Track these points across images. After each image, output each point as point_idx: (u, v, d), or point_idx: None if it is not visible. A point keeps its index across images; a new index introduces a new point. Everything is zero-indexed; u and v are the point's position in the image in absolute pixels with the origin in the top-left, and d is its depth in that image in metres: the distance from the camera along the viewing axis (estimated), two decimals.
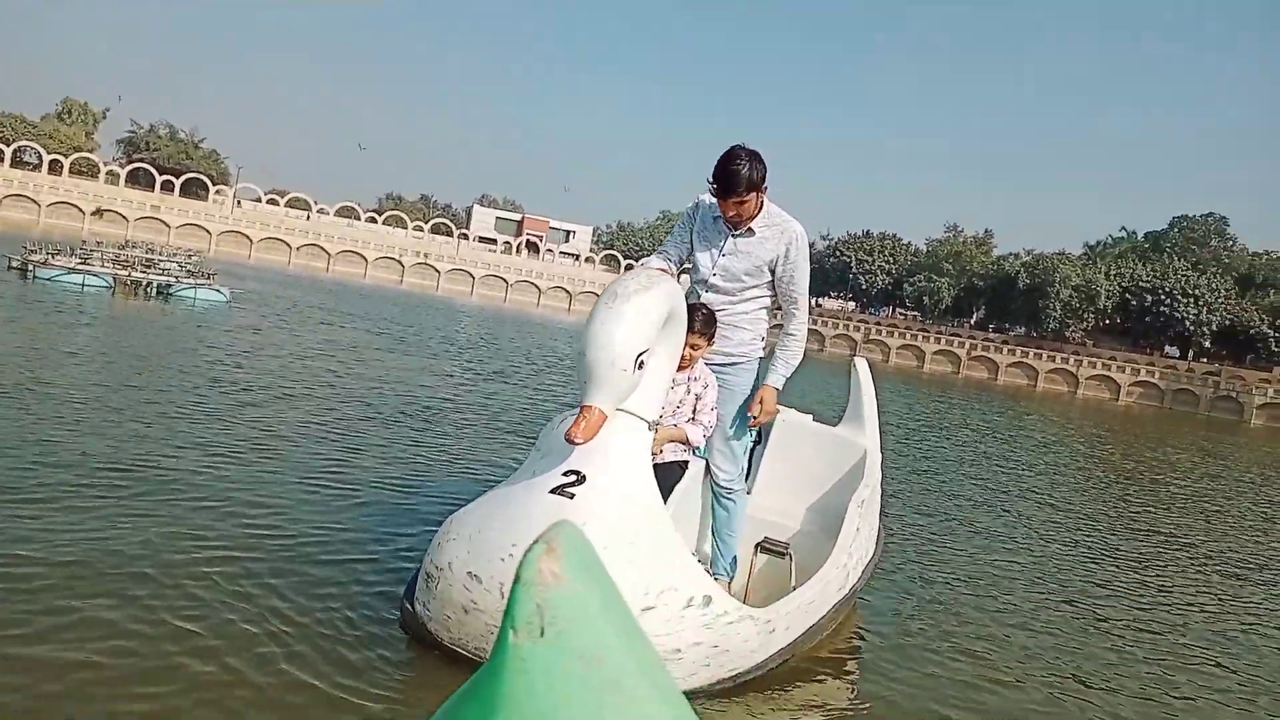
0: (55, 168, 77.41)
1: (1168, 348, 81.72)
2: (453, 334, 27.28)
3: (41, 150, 79.11)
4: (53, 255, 22.04)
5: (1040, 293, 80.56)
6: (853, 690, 4.54)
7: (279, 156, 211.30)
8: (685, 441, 4.32)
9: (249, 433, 7.90)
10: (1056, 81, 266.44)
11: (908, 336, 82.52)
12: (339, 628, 4.03)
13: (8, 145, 76.67)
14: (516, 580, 0.59)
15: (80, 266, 21.59)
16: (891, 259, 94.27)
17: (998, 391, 55.21)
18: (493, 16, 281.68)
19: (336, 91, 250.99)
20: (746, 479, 5.32)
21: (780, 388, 4.39)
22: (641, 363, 3.40)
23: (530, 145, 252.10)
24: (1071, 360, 76.60)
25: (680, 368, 4.16)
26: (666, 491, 4.10)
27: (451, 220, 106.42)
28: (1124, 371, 74.26)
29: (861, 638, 5.18)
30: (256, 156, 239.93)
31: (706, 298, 4.35)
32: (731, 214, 4.11)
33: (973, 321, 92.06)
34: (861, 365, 5.92)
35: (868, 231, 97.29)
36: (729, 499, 4.57)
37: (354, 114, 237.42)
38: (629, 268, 4.80)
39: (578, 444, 3.32)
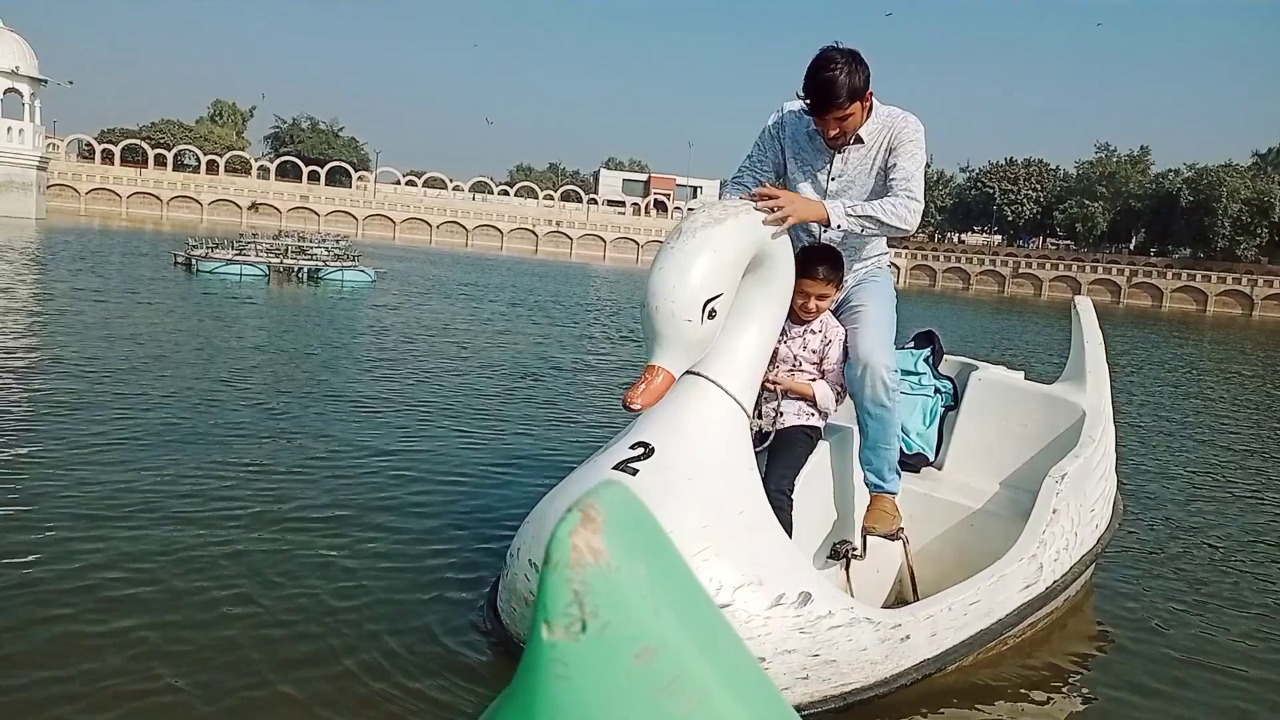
0: (212, 168, 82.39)
1: None
2: (586, 300, 27.66)
3: (199, 152, 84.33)
4: (212, 249, 23.60)
5: (1206, 210, 74.86)
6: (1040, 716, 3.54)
7: (414, 138, 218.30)
8: (810, 399, 3.65)
9: (375, 408, 8.23)
10: None
11: (1060, 267, 78.50)
12: (428, 620, 3.74)
13: (169, 150, 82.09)
14: (546, 562, 0.49)
15: (237, 258, 23.07)
16: (1039, 186, 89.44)
17: (1163, 320, 51.88)
18: None
19: (463, 70, 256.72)
20: (936, 453, 4.63)
21: (831, 219, 3.30)
22: (712, 311, 2.84)
23: (652, 104, 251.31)
24: (1245, 280, 71.12)
25: (800, 320, 3.62)
26: (789, 467, 3.48)
27: (580, 186, 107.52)
28: None
29: (1074, 648, 4.11)
30: (393, 140, 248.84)
31: (824, 237, 3.65)
32: (834, 132, 3.40)
33: (1132, 247, 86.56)
34: (1084, 306, 4.91)
35: (1010, 159, 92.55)
36: (887, 397, 3.61)
37: (481, 90, 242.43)
38: None
39: (634, 409, 2.82)
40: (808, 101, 3.33)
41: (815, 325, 3.66)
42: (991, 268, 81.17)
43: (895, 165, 3.46)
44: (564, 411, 8.86)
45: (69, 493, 4.95)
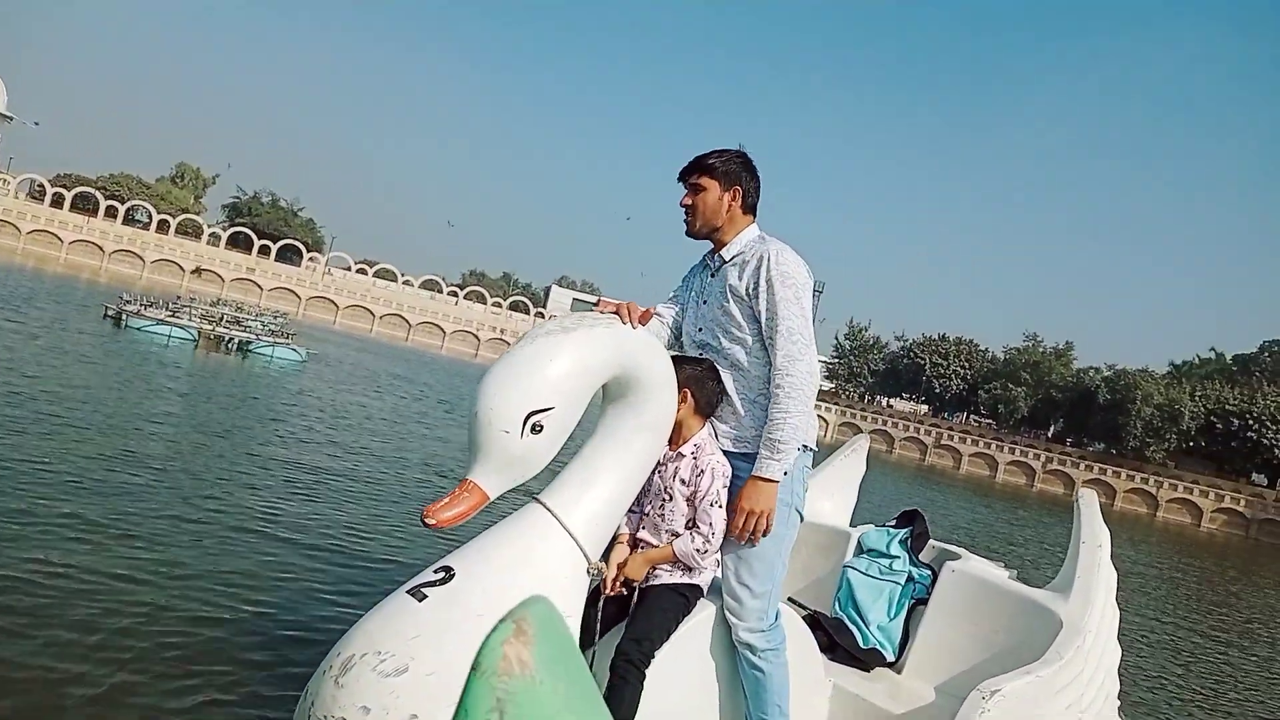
0: (163, 227, 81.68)
1: (1255, 475, 78.23)
2: None
3: (152, 210, 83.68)
4: (145, 307, 23.40)
5: (1121, 409, 78.28)
6: None
7: (371, 228, 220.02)
8: (673, 562, 3.04)
9: (261, 492, 8.21)
10: (1148, 188, 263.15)
11: (981, 445, 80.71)
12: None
13: (122, 204, 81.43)
14: (475, 669, 0.44)
15: (169, 319, 22.85)
16: (967, 364, 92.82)
17: (1070, 508, 53.24)
18: (580, 107, 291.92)
19: (430, 169, 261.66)
20: (899, 653, 4.06)
21: (774, 478, 2.93)
22: (537, 426, 2.48)
23: (611, 229, 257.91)
24: (1151, 481, 73.87)
25: (674, 442, 3.08)
26: (648, 632, 2.88)
27: (530, 299, 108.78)
28: (1207, 496, 71.28)
29: None
30: (351, 227, 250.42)
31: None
32: (684, 202, 3.16)
33: (1049, 434, 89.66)
34: (1087, 501, 4.29)
35: (943, 335, 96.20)
36: (759, 657, 3.04)
37: (445, 191, 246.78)
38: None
39: (428, 525, 2.39)
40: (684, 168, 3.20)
41: (686, 448, 3.07)
42: (915, 435, 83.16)
43: (765, 312, 3.03)
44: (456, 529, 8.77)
45: None
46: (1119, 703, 3.97)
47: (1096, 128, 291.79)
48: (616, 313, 2.83)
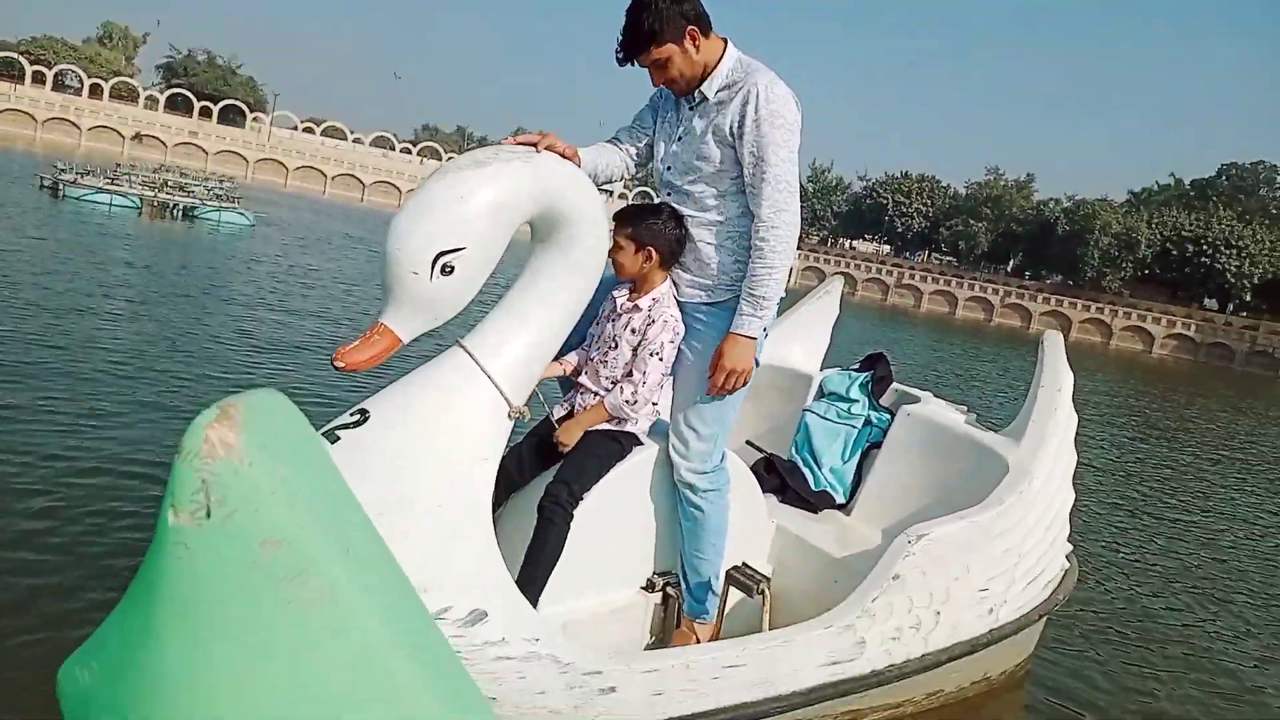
0: (96, 92, 78.00)
1: (1207, 300, 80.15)
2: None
3: (82, 74, 79.72)
4: (82, 176, 22.69)
5: (1079, 240, 79.07)
6: None
7: (316, 84, 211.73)
8: (610, 420, 3.07)
9: (201, 355, 8.24)
10: (1107, 12, 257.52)
11: (941, 282, 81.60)
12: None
13: (49, 69, 77.45)
14: (178, 451, 0.46)
15: (108, 187, 22.24)
16: (929, 201, 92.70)
17: (1029, 341, 54.69)
18: None
19: (375, 20, 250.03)
20: (850, 495, 4.09)
21: (754, 335, 2.88)
22: (448, 267, 2.36)
23: (568, 78, 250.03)
24: (1106, 310, 75.47)
25: (635, 293, 3.07)
26: (575, 476, 2.94)
27: None
28: (1159, 323, 73.07)
29: None
30: (293, 84, 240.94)
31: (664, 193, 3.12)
32: (659, 81, 2.91)
33: (1009, 268, 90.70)
34: (1052, 343, 4.11)
35: (905, 173, 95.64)
36: (699, 497, 3.10)
37: (392, 44, 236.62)
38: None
39: (338, 368, 2.33)
40: (621, 53, 2.84)
41: (644, 301, 3.03)
42: (877, 276, 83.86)
43: (751, 153, 2.82)
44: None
45: None
46: (1069, 546, 4.00)
47: None
48: (535, 145, 2.61)
